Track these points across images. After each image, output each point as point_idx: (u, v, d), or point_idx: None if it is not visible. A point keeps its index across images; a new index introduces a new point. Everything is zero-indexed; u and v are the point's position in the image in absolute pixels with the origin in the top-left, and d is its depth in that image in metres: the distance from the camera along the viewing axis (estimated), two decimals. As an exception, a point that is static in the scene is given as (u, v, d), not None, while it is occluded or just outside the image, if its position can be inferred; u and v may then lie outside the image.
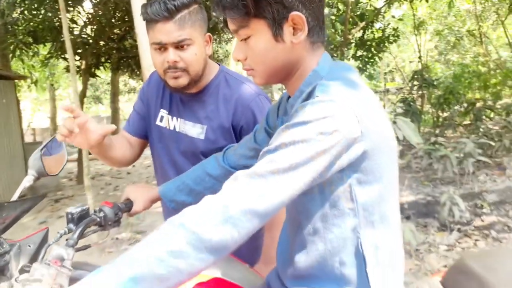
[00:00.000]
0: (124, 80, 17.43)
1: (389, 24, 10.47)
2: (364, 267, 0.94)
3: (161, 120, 1.61)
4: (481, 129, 7.57)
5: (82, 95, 8.89)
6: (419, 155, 7.01)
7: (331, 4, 9.07)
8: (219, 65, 1.59)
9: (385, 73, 20.64)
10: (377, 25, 9.99)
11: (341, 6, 8.99)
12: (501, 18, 9.94)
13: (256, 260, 1.59)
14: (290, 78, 1.05)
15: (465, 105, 9.02)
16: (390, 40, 9.70)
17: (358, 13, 8.67)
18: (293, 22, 0.96)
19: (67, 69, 9.28)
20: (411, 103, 8.78)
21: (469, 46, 13.01)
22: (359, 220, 0.94)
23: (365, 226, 0.94)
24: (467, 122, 9.30)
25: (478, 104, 8.44)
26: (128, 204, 1.45)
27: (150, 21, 1.40)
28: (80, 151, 7.27)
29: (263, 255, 1.59)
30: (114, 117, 13.02)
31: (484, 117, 8.17)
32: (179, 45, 1.39)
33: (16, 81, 8.81)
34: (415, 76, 9.51)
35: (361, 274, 0.95)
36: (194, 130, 1.52)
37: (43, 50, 9.83)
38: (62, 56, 8.45)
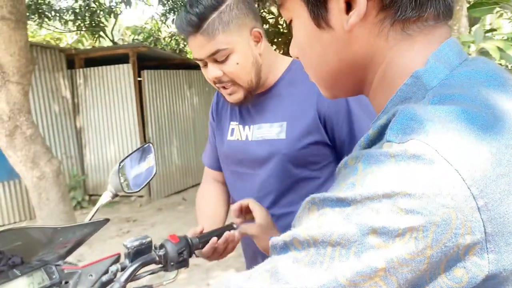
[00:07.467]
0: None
1: None
2: None
3: (232, 134, 1.36)
4: None
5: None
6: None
7: None
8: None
9: None
10: None
11: None
12: None
13: None
14: (367, 88, 0.60)
15: None
16: None
17: None
18: None
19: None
20: None
21: None
22: None
23: None
24: None
25: None
26: (205, 239, 1.14)
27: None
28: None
29: None
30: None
31: None
32: (215, 58, 1.17)
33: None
34: None
35: None
36: (273, 130, 1.24)
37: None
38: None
